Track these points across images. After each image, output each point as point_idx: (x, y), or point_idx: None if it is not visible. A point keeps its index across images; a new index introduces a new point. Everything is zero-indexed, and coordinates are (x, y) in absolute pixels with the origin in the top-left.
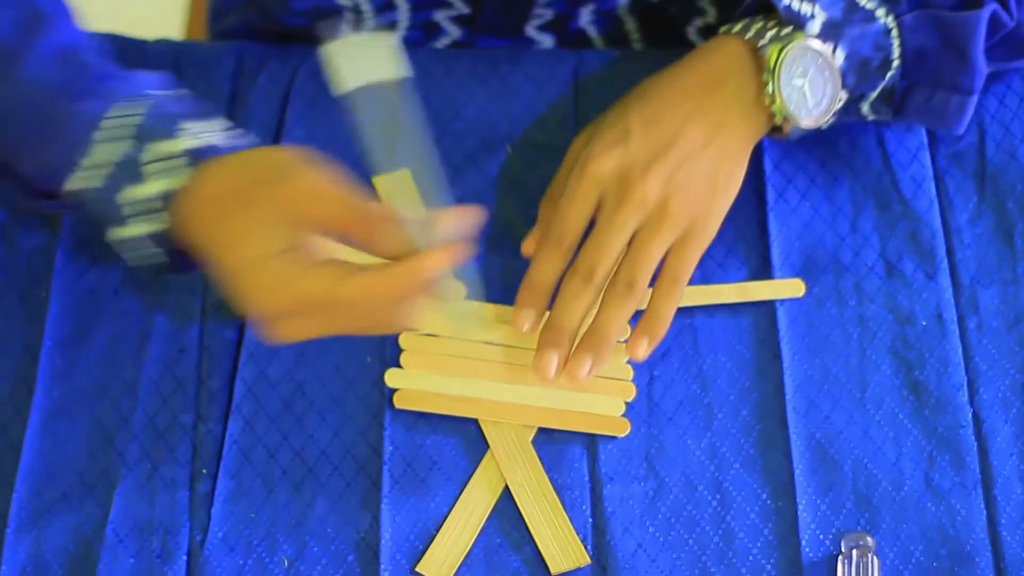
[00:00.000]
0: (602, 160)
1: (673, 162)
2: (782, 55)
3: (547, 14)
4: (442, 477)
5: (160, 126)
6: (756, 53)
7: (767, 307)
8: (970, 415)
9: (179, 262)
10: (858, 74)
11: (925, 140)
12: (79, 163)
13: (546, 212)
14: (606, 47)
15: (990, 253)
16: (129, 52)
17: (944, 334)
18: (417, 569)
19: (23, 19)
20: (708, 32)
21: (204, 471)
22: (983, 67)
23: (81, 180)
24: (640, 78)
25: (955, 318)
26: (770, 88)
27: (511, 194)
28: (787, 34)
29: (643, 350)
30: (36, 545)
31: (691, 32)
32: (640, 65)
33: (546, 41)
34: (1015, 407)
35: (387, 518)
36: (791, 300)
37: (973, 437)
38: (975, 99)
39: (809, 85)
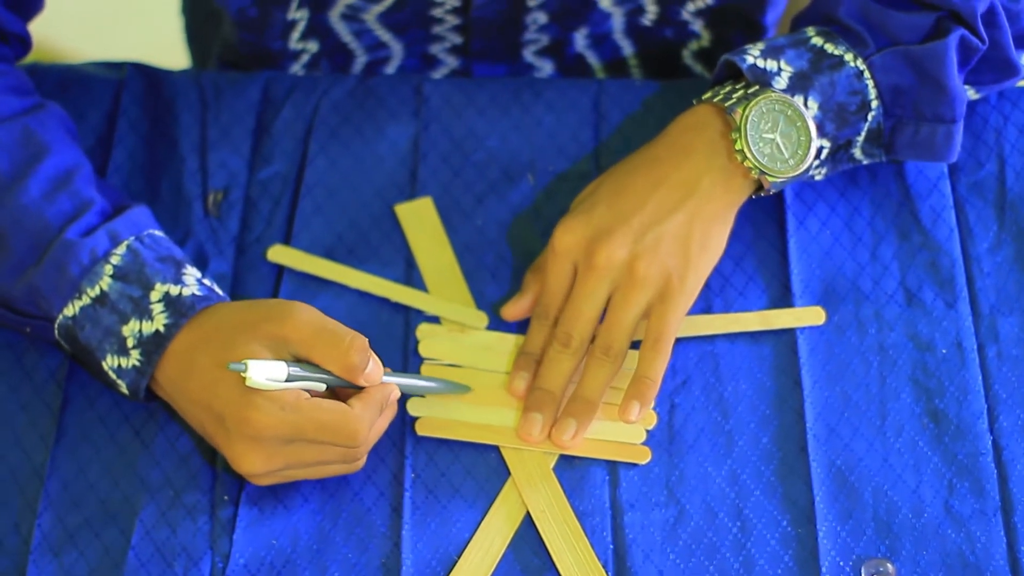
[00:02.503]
0: (567, 232)
1: (638, 226)
2: (747, 111)
3: (542, 39)
4: (463, 504)
5: (165, 269)
6: (725, 115)
7: (788, 335)
8: (990, 443)
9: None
10: (836, 121)
11: (945, 169)
12: (85, 292)
13: (529, 280)
14: (604, 72)
15: (1010, 282)
16: (155, 82)
17: (964, 362)
18: None
19: (29, 153)
20: (703, 56)
21: (225, 498)
22: (962, 93)
23: (83, 308)
24: (661, 107)
25: (975, 346)
26: (739, 145)
27: (533, 223)
28: (754, 92)
29: (634, 414)
30: (60, 571)
31: (686, 56)
32: (661, 94)
33: (546, 67)
34: None
35: (408, 544)
36: (811, 328)
37: (993, 464)
38: (960, 126)
39: (781, 137)
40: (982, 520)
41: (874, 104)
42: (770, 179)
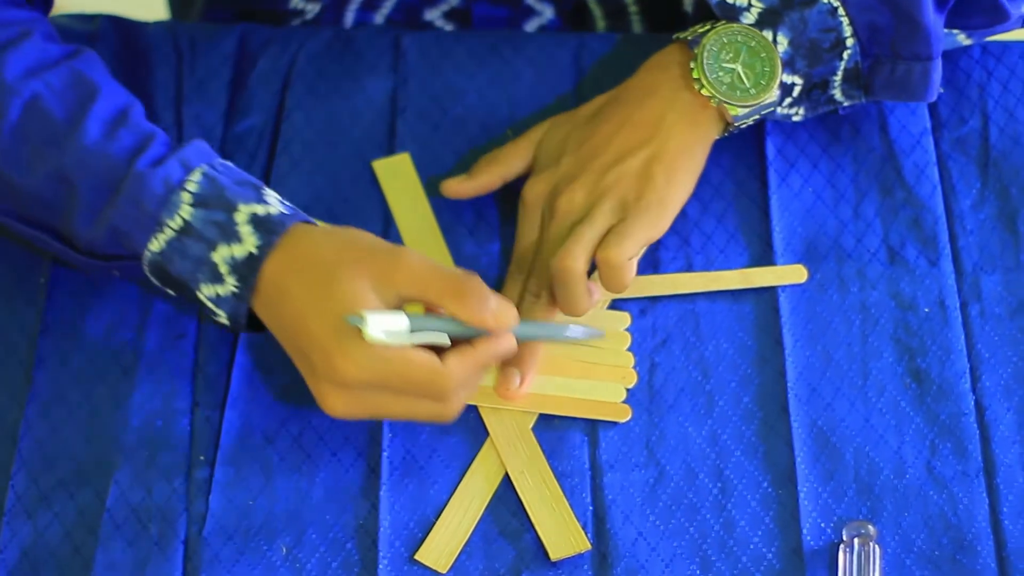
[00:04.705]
0: (534, 185)
1: (599, 170)
2: (705, 40)
3: None
4: (441, 464)
5: (245, 192)
6: (689, 50)
7: (769, 293)
8: (972, 403)
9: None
10: (808, 57)
11: (928, 125)
12: (167, 224)
13: (482, 166)
14: (605, 19)
15: (993, 239)
16: (129, 34)
17: (946, 321)
18: (416, 557)
19: (81, 94)
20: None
21: (201, 458)
22: (937, 31)
23: (169, 241)
24: (642, 62)
25: (958, 305)
26: (696, 73)
27: (513, 179)
28: (719, 26)
29: (596, 294)
30: (33, 533)
31: (688, 3)
32: (642, 49)
33: (546, 11)
34: (1017, 395)
35: (386, 505)
36: (793, 286)
37: (975, 425)
38: (938, 64)
39: (743, 67)
40: (964, 481)
41: (849, 42)
42: (730, 109)
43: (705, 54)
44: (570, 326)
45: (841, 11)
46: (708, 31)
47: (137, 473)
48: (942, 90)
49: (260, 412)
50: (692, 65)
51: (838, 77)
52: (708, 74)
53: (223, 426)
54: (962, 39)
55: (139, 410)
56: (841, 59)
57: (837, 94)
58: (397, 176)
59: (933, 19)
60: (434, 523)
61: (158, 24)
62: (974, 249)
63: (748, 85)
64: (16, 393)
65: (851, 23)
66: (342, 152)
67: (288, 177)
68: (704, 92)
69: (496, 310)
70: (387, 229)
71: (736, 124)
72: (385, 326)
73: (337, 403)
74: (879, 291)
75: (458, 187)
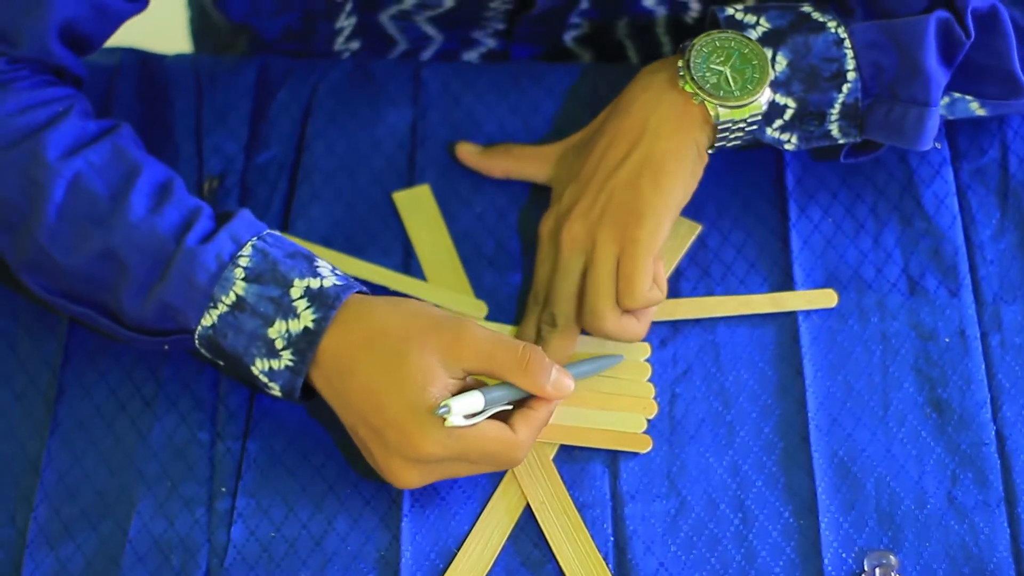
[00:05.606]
0: (547, 220)
1: (592, 192)
2: (697, 40)
3: (584, 25)
4: (463, 495)
5: (298, 264)
6: (681, 55)
7: (790, 323)
8: (993, 433)
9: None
10: (806, 83)
11: (948, 155)
12: (220, 300)
13: (510, 159)
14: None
15: (1013, 269)
16: (150, 67)
17: (967, 351)
18: None
19: (123, 170)
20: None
21: (223, 489)
22: (938, 79)
23: (221, 316)
24: None
25: (978, 335)
26: (681, 72)
27: (532, 210)
28: (715, 32)
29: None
30: (56, 564)
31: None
32: None
33: (585, 55)
34: None
35: (408, 536)
36: (814, 317)
37: (996, 455)
38: (934, 112)
39: (732, 71)
40: (985, 511)
41: (851, 76)
42: (711, 108)
43: (694, 53)
44: (600, 359)
45: (847, 43)
46: (703, 36)
47: (159, 504)
48: (938, 145)
49: (282, 444)
50: (680, 63)
51: (835, 111)
52: (694, 71)
53: (245, 457)
54: (975, 107)
55: (161, 442)
56: (840, 92)
57: (834, 130)
58: (417, 207)
59: (935, 67)
60: (456, 554)
61: (178, 57)
62: (994, 279)
63: (734, 88)
64: (38, 425)
65: (855, 57)
66: (363, 183)
67: (309, 208)
68: (688, 88)
69: (556, 380)
70: (407, 260)
71: (720, 130)
72: (465, 410)
73: (411, 477)
74: (900, 321)
75: (468, 155)
